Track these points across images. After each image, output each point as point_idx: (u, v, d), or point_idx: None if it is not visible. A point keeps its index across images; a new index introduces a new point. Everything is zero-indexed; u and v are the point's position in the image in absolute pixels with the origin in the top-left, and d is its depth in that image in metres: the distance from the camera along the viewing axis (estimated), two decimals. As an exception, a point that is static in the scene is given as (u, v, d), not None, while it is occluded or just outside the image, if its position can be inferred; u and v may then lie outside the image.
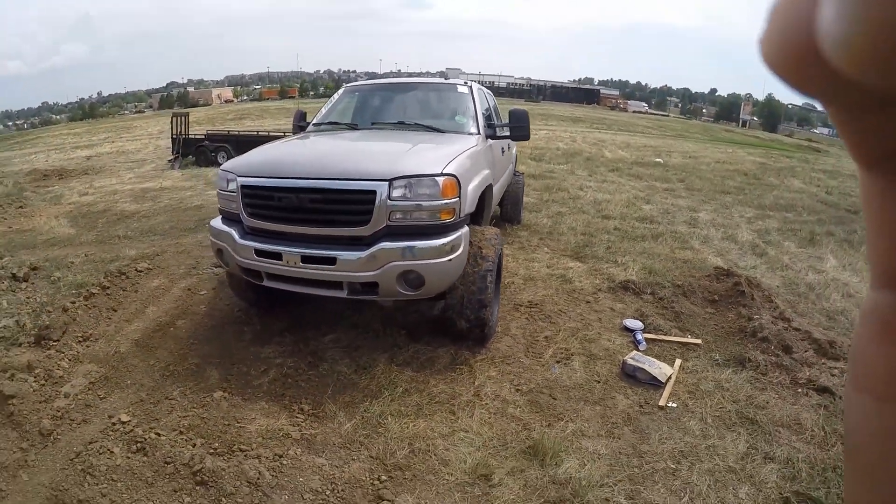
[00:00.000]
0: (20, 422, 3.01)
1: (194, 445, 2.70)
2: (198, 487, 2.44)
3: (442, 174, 3.21)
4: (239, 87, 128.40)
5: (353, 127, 4.91)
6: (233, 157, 14.93)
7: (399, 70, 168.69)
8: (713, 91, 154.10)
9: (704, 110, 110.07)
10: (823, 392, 3.36)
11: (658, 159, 15.35)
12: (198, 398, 3.21)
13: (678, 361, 3.68)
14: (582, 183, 10.75)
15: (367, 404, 3.07)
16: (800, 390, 3.40)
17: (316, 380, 3.38)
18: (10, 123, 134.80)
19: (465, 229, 3.41)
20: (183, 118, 16.59)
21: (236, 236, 3.60)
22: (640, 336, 4.03)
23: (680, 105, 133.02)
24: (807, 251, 6.77)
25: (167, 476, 2.55)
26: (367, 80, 7.33)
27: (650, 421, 3.02)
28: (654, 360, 3.60)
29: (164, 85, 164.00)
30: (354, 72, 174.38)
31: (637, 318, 4.36)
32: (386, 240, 3.21)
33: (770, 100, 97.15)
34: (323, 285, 3.38)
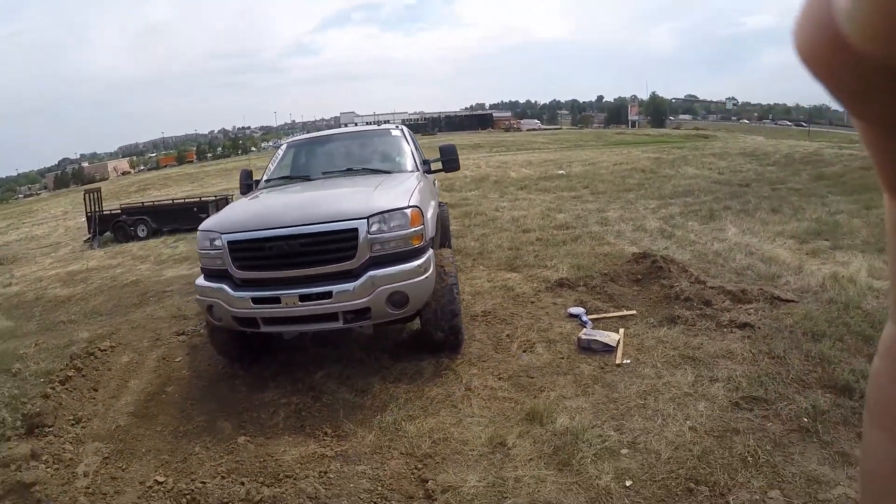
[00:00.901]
0: None
1: (243, 484, 2.90)
2: None
3: (409, 206, 3.74)
4: (135, 157, 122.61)
5: (306, 178, 5.30)
6: (152, 228, 14.75)
7: (293, 121, 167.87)
8: (600, 98, 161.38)
9: (594, 117, 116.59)
10: (744, 327, 4.13)
11: (560, 171, 16.71)
12: (223, 447, 3.39)
13: (621, 330, 4.35)
14: (496, 204, 11.60)
15: (378, 417, 3.41)
16: (725, 330, 4.16)
17: (325, 409, 3.65)
18: None
19: (431, 251, 3.92)
20: (95, 194, 16.18)
21: (229, 290, 3.84)
22: (585, 318, 4.69)
23: (570, 116, 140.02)
24: (709, 226, 7.86)
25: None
26: (302, 134, 7.78)
27: (613, 376, 3.63)
28: (602, 331, 4.27)
29: (57, 162, 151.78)
30: (249, 128, 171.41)
31: (578, 305, 5.03)
32: (371, 269, 3.64)
33: (654, 97, 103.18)
34: (320, 319, 3.74)
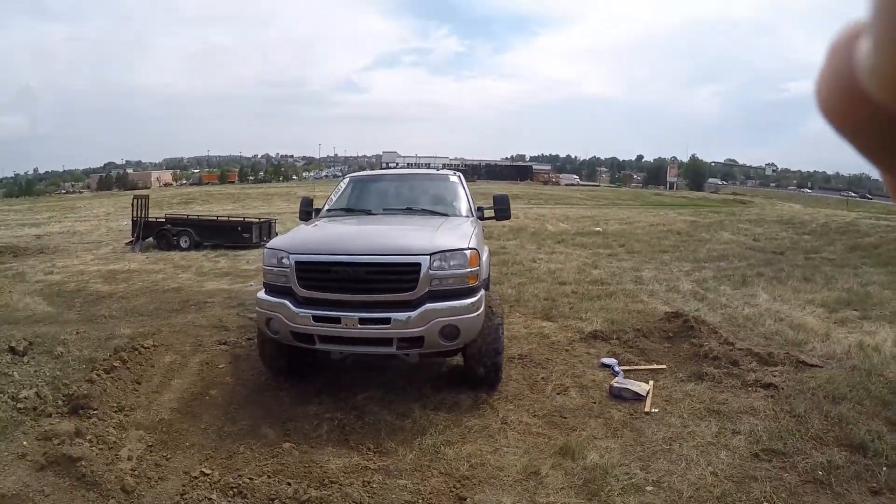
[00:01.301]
0: (95, 482, 3.24)
1: (289, 484, 3.21)
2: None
3: (468, 248, 4.16)
4: (178, 171, 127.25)
5: (367, 212, 5.68)
6: (194, 241, 15.36)
7: (336, 154, 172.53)
8: (640, 157, 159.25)
9: (634, 176, 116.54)
10: (768, 387, 4.36)
11: (597, 228, 17.03)
12: (267, 451, 3.65)
13: (651, 382, 4.61)
14: (534, 255, 11.95)
15: (419, 440, 3.72)
16: (749, 388, 4.39)
17: (367, 427, 3.95)
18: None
19: (483, 291, 4.29)
20: (143, 201, 16.78)
21: (291, 306, 4.17)
22: (617, 368, 4.96)
23: (609, 174, 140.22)
24: (741, 291, 8.06)
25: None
26: (364, 172, 8.20)
27: (641, 423, 3.89)
28: (633, 381, 4.54)
29: (102, 165, 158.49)
30: (292, 156, 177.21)
31: (611, 356, 5.30)
32: (429, 301, 4.01)
33: (694, 160, 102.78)
34: (374, 343, 4.12)
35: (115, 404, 4.27)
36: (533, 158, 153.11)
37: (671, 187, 76.03)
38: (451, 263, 4.10)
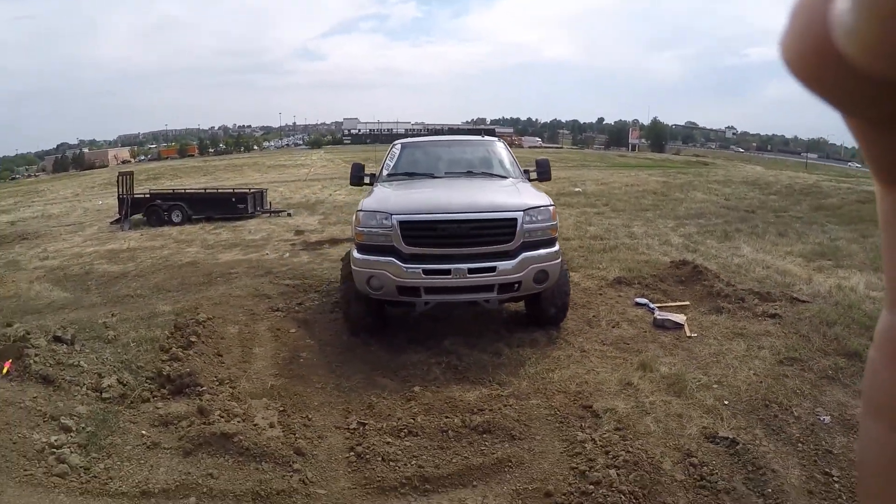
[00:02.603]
0: (263, 452, 3.35)
1: (447, 416, 3.70)
2: (484, 435, 3.54)
3: (551, 205, 4.99)
4: (135, 147, 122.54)
5: (430, 175, 6.13)
6: (187, 214, 15.26)
7: (295, 123, 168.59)
8: (600, 120, 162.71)
9: (595, 139, 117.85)
10: (774, 317, 5.52)
11: (577, 189, 18.17)
12: (400, 396, 4.07)
13: (683, 315, 5.72)
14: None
15: (523, 370, 4.51)
16: (759, 318, 5.55)
17: (472, 366, 4.56)
18: None
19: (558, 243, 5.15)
20: (128, 177, 16.41)
21: (399, 262, 4.61)
22: (651, 305, 6.05)
23: (570, 136, 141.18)
24: (725, 244, 9.29)
25: (454, 435, 3.52)
26: (413, 138, 8.36)
27: (688, 344, 4.99)
28: (671, 312, 5.64)
29: (55, 146, 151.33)
30: (250, 126, 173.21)
31: (641, 297, 6.38)
32: (523, 251, 4.72)
33: (655, 122, 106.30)
34: (477, 290, 4.75)
35: (215, 379, 4.33)
36: (494, 122, 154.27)
37: (633, 149, 77.84)
38: (539, 218, 4.84)
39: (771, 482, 2.96)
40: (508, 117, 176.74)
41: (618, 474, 2.87)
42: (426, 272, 4.64)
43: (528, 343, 5.08)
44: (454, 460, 3.28)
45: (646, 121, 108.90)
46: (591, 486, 2.81)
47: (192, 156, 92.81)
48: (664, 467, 3.02)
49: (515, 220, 4.73)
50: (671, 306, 6.06)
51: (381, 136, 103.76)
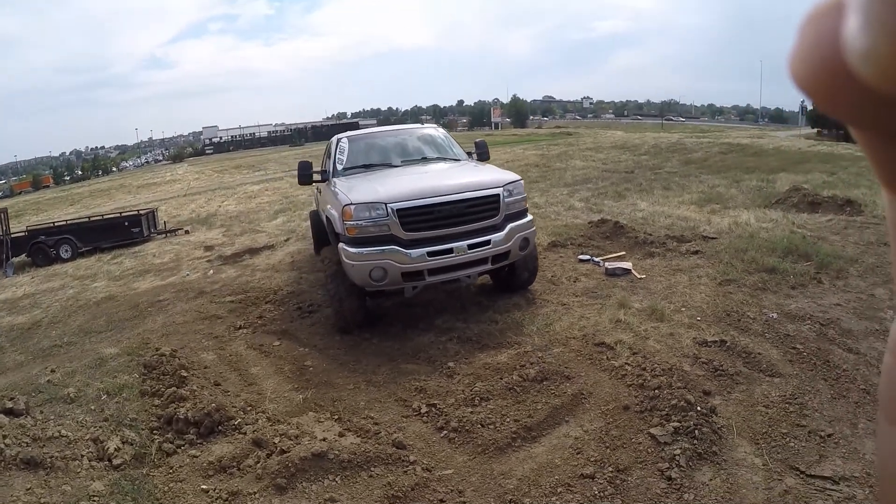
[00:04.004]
0: (368, 459, 3.28)
1: (501, 377, 4.03)
2: (544, 382, 3.94)
3: (520, 179, 5.54)
4: None
5: (388, 165, 6.35)
6: (78, 247, 13.84)
7: (151, 138, 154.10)
8: (460, 102, 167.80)
9: (458, 121, 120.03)
10: (696, 253, 6.70)
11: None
12: (438, 374, 4.30)
13: (628, 262, 6.69)
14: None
15: (527, 329, 4.92)
16: (685, 256, 6.71)
17: (481, 334, 4.93)
18: None
19: None
20: (2, 216, 14.53)
21: (401, 249, 4.80)
22: (596, 259, 6.96)
23: (433, 121, 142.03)
24: (622, 203, 10.61)
25: (521, 389, 3.88)
26: (357, 132, 8.06)
27: (643, 285, 5.92)
28: (617, 262, 6.59)
29: None
30: (104, 147, 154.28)
31: (583, 254, 7.30)
32: (508, 222, 5.15)
33: (515, 100, 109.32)
34: (475, 264, 5.07)
35: (236, 408, 4.04)
36: (355, 115, 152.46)
37: (496, 127, 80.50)
38: (515, 192, 5.32)
39: (762, 361, 3.90)
40: (369, 109, 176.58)
41: (664, 381, 3.61)
42: (431, 254, 4.87)
43: (512, 307, 5.55)
44: (539, 407, 3.66)
45: (505, 99, 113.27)
46: (654, 391, 3.47)
47: (48, 186, 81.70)
48: (686, 369, 3.82)
49: (498, 195, 5.16)
50: (612, 257, 7.01)
51: (244, 142, 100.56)
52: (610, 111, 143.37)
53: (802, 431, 3.13)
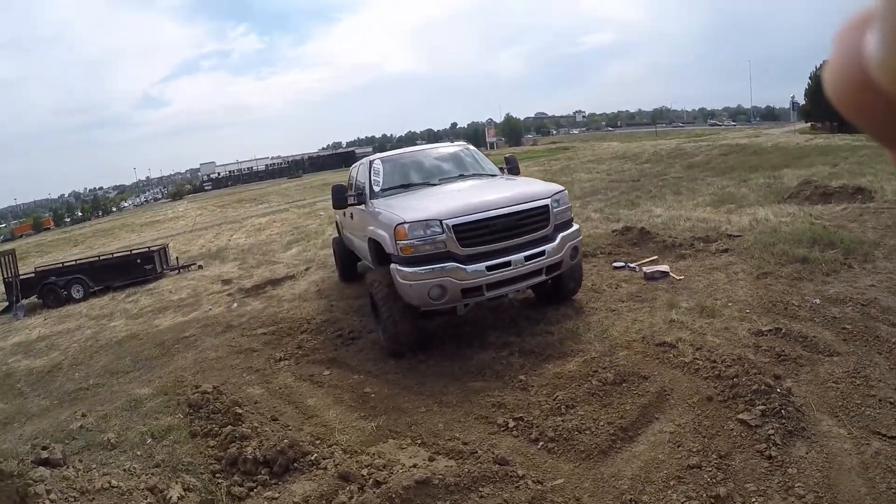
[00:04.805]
0: (473, 480, 3.21)
1: (579, 384, 4.15)
2: (624, 384, 4.07)
3: (564, 189, 5.66)
4: None
5: (427, 183, 6.38)
6: (90, 287, 13.60)
7: (148, 177, 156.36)
8: (454, 125, 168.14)
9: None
10: (726, 251, 7.08)
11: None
12: (512, 388, 4.34)
13: (665, 265, 7.05)
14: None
15: (584, 336, 5.08)
16: (716, 254, 7.09)
17: (543, 348, 4.95)
18: None
19: None
20: (10, 257, 14.34)
21: (460, 266, 4.80)
22: (631, 265, 7.33)
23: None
24: (637, 210, 11.03)
25: (604, 393, 4.01)
26: (387, 153, 8.04)
27: (683, 285, 6.27)
28: (654, 265, 6.95)
29: None
30: (102, 188, 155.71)
31: (617, 261, 7.65)
32: (558, 232, 5.24)
33: (509, 118, 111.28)
34: (530, 276, 5.10)
35: (306, 443, 3.88)
36: (350, 144, 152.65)
37: (492, 147, 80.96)
38: (562, 201, 5.43)
39: (818, 343, 4.25)
40: (364, 137, 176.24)
41: (738, 370, 3.93)
42: (490, 268, 4.88)
43: (563, 318, 5.67)
44: (627, 408, 3.80)
45: (498, 119, 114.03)
46: (732, 380, 3.77)
47: (49, 229, 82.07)
48: (751, 357, 4.15)
49: (547, 206, 5.24)
50: (647, 262, 7.38)
51: (242, 177, 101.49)
52: (603, 123, 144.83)
53: (873, 400, 3.46)
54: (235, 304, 9.23)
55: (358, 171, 7.59)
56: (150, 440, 4.25)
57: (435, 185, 6.33)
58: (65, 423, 4.91)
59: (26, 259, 27.25)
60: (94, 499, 3.33)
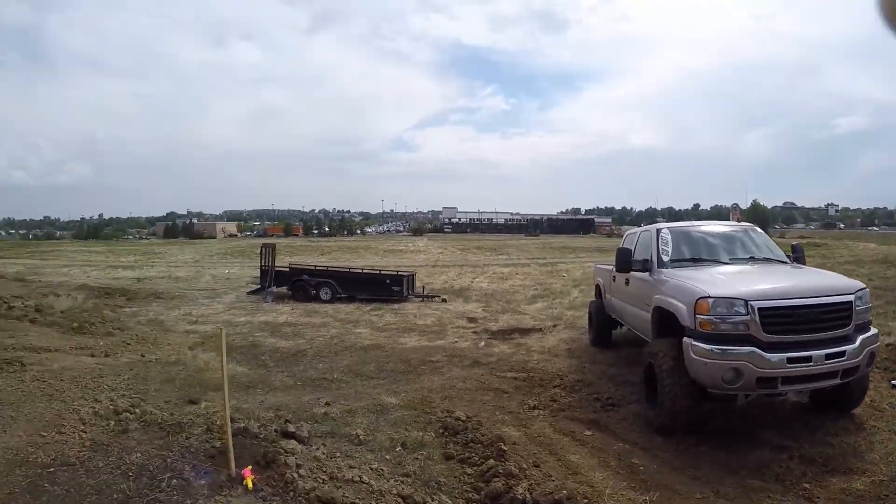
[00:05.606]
0: None
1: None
2: None
3: (866, 287, 5.09)
4: (241, 223, 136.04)
5: (717, 260, 6.04)
6: (338, 292, 15.16)
7: (393, 210, 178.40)
8: (696, 206, 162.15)
9: None
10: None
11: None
12: (796, 497, 4.10)
13: None
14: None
15: (865, 456, 4.67)
16: None
17: (824, 459, 4.58)
18: (13, 231, 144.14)
19: None
20: (270, 249, 16.34)
21: (761, 352, 4.49)
22: None
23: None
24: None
25: None
26: (674, 223, 7.82)
27: None
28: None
29: (165, 214, 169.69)
30: (349, 211, 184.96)
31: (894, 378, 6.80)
32: (858, 333, 4.71)
33: (756, 205, 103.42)
34: (826, 377, 4.67)
35: (580, 496, 3.91)
36: (588, 211, 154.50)
37: None
38: (865, 300, 4.99)
39: None
40: (602, 206, 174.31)
41: None
42: (790, 360, 4.53)
43: (841, 431, 5.13)
44: None
45: (743, 203, 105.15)
46: None
47: (297, 235, 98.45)
48: None
49: (851, 302, 4.81)
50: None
51: (481, 226, 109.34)
52: (857, 220, 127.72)
53: None
54: (483, 343, 9.86)
55: (638, 238, 7.52)
56: (399, 448, 4.34)
57: (726, 263, 6.05)
58: (308, 406, 5.15)
59: (278, 256, 31.73)
60: (340, 487, 3.34)
